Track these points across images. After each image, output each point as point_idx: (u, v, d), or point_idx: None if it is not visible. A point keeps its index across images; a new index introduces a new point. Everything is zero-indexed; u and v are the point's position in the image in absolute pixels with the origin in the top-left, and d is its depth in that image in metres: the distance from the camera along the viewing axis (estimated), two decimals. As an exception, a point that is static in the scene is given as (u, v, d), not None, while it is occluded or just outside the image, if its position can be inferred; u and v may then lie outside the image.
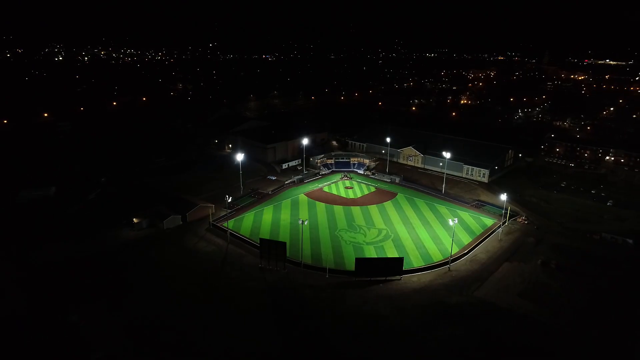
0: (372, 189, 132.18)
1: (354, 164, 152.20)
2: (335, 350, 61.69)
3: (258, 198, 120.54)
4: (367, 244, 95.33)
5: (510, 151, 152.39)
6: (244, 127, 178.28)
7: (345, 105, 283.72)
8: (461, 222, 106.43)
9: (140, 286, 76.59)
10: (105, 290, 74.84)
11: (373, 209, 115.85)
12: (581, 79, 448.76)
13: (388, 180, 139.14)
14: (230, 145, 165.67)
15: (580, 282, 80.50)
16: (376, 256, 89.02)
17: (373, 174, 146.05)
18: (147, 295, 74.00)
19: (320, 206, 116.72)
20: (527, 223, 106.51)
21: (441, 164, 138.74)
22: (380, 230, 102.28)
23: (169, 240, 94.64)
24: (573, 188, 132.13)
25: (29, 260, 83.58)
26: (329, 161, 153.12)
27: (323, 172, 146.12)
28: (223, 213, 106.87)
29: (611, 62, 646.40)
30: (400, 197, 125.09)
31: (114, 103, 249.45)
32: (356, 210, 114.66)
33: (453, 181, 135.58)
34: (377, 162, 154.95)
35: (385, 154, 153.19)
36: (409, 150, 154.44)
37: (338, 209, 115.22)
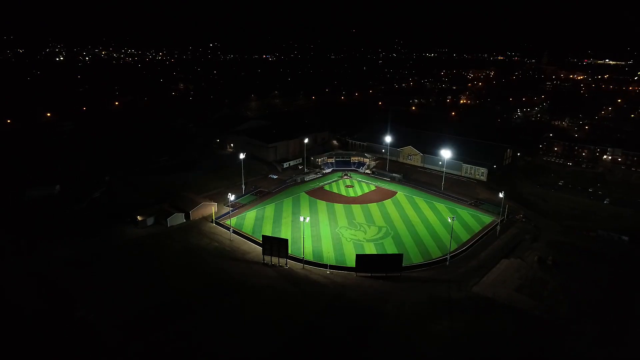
0: (372, 188, 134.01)
1: (355, 163, 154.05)
2: (336, 342, 63.43)
3: (260, 196, 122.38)
4: (367, 241, 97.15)
5: (508, 150, 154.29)
6: (246, 126, 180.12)
7: (345, 105, 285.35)
8: (460, 219, 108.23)
9: (145, 281, 78.17)
10: (111, 286, 76.58)
11: (373, 207, 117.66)
12: (580, 78, 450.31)
13: (388, 179, 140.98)
14: (231, 145, 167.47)
15: (576, 277, 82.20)
16: (376, 253, 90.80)
17: (373, 172, 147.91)
18: (152, 290, 75.59)
19: (321, 204, 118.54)
20: (525, 221, 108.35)
21: (440, 162, 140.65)
22: (380, 228, 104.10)
23: (173, 237, 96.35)
24: (570, 186, 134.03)
25: (37, 256, 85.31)
26: (330, 160, 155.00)
27: (324, 171, 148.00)
28: (226, 211, 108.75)
29: (610, 62, 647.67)
30: (400, 195, 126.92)
31: (116, 103, 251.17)
32: (356, 208, 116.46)
33: (452, 180, 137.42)
34: (377, 161, 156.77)
35: (386, 153, 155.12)
36: (409, 149, 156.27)
37: (339, 207, 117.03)
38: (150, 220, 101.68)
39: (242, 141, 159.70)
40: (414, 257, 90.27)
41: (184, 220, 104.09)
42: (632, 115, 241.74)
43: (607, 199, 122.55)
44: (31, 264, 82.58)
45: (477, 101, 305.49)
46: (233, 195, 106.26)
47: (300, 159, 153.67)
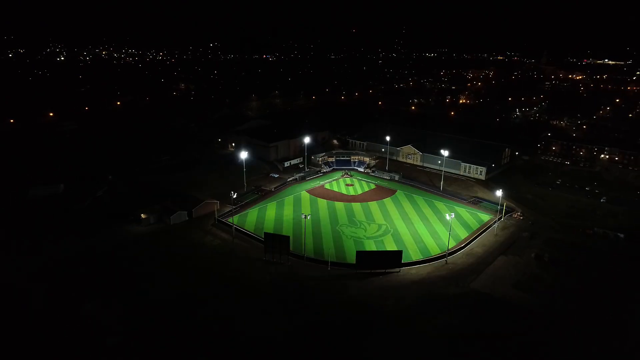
0: (372, 186, 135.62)
1: (355, 162, 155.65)
2: (337, 336, 65.07)
3: (261, 195, 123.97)
4: (368, 238, 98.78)
5: (507, 149, 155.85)
6: (247, 126, 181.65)
7: (345, 105, 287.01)
8: (458, 217, 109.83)
9: (150, 277, 79.88)
10: (117, 282, 78.17)
11: (373, 205, 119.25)
12: (579, 78, 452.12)
13: (387, 178, 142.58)
14: (233, 144, 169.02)
15: (572, 274, 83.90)
16: (376, 250, 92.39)
17: (373, 171, 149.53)
18: (157, 285, 77.35)
19: (322, 202, 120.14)
20: (523, 219, 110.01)
21: (439, 161, 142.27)
22: (380, 226, 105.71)
23: (176, 235, 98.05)
24: (568, 185, 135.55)
25: (43, 254, 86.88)
26: (330, 159, 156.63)
27: (324, 170, 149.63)
28: (228, 209, 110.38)
29: (610, 62, 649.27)
30: (399, 194, 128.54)
31: (118, 103, 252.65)
32: (357, 206, 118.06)
33: (451, 178, 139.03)
34: (377, 160, 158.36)
35: (385, 152, 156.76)
36: (408, 148, 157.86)
37: (339, 205, 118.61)
38: (153, 218, 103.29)
39: (243, 141, 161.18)
40: (413, 254, 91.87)
41: (187, 219, 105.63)
42: (630, 115, 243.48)
43: (604, 198, 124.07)
44: (37, 261, 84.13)
45: (477, 101, 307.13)
46: (235, 194, 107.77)
47: (301, 158, 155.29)
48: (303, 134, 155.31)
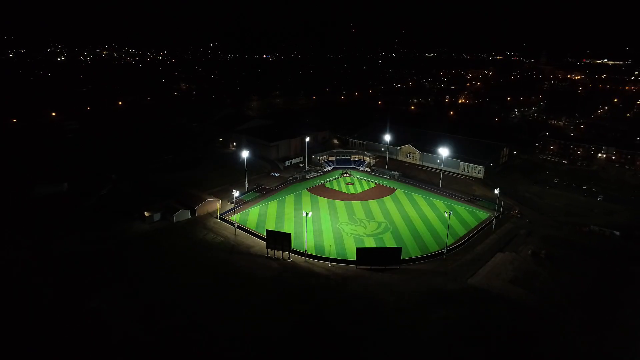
0: (372, 185, 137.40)
1: (355, 161, 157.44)
2: (338, 330, 66.66)
3: (263, 193, 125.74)
4: (368, 235, 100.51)
5: (505, 148, 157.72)
6: (248, 125, 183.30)
7: (345, 105, 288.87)
8: (457, 215, 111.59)
9: (154, 274, 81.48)
10: (121, 278, 79.78)
11: (373, 203, 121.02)
12: (577, 78, 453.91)
13: (387, 177, 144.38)
14: (234, 143, 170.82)
15: (568, 270, 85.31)
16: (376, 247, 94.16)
17: (373, 170, 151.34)
18: (161, 282, 78.86)
19: (323, 201, 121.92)
20: (520, 216, 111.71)
21: (438, 160, 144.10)
22: (379, 223, 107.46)
23: (179, 232, 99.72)
24: (565, 184, 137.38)
25: (49, 251, 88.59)
26: (331, 158, 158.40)
27: (325, 169, 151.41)
28: (230, 207, 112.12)
29: (609, 62, 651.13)
30: (399, 192, 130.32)
31: (119, 103, 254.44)
32: (357, 204, 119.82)
33: (450, 177, 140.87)
34: (377, 159, 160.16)
35: (385, 151, 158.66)
36: (408, 147, 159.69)
37: (339, 203, 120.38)
38: (157, 216, 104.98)
39: (245, 140, 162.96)
40: (412, 250, 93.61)
41: (190, 216, 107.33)
42: (628, 115, 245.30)
43: (601, 196, 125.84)
44: (43, 258, 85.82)
45: (476, 101, 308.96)
46: (237, 192, 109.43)
47: (302, 157, 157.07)
48: (303, 134, 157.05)
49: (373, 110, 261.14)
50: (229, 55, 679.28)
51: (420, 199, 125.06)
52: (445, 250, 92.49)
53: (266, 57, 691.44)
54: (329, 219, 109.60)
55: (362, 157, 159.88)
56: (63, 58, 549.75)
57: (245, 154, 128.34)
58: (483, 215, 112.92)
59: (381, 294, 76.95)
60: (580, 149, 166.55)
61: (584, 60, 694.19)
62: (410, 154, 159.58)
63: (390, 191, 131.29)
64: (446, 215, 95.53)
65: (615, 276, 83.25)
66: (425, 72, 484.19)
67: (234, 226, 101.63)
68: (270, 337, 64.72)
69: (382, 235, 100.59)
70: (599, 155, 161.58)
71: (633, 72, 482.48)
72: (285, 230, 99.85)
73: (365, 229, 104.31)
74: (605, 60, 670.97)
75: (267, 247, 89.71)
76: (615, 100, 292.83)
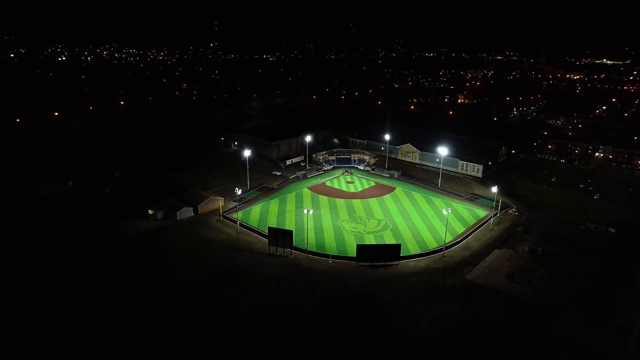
0: (372, 184, 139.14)
1: (355, 160, 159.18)
2: (339, 325, 68.29)
3: (264, 192, 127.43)
4: (368, 233, 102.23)
5: (503, 148, 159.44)
6: (249, 125, 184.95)
7: (345, 104, 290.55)
8: (455, 213, 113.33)
9: (157, 271, 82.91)
10: (125, 275, 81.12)
11: (373, 201, 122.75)
12: (576, 78, 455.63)
13: (387, 175, 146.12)
14: (236, 143, 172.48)
15: (564, 266, 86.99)
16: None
17: (373, 169, 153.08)
18: (165, 278, 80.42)
19: (323, 199, 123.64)
20: (517, 214, 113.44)
21: (437, 160, 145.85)
22: (379, 221, 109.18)
23: (183, 230, 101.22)
24: (563, 182, 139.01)
25: (52, 249, 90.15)
26: (331, 157, 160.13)
27: (325, 168, 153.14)
28: (232, 205, 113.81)
29: (608, 62, 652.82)
30: (398, 191, 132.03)
31: (121, 102, 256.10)
32: (357, 202, 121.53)
33: (449, 176, 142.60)
34: (376, 159, 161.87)
35: (385, 150, 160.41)
36: (407, 147, 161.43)
37: (340, 201, 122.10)
38: (160, 214, 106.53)
39: (246, 139, 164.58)
40: (411, 247, 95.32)
41: (193, 214, 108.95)
42: (626, 114, 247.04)
43: (598, 194, 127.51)
44: (47, 255, 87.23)
45: (475, 100, 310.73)
46: (240, 190, 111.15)
47: (302, 157, 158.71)
48: (304, 133, 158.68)
49: (373, 110, 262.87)
50: (229, 55, 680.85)
51: (419, 197, 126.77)
52: (444, 247, 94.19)
53: (266, 57, 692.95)
54: (330, 216, 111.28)
55: (362, 156, 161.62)
56: (64, 58, 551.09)
57: (246, 153, 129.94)
58: (481, 213, 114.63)
59: (381, 289, 78.59)
60: (578, 148, 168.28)
61: (583, 60, 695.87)
62: (410, 153, 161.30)
63: (390, 190, 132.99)
64: (444, 212, 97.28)
65: (611, 273, 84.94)
66: (424, 72, 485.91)
67: (237, 224, 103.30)
68: (271, 334, 65.69)
69: (382, 233, 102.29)
70: (597, 154, 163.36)
71: (632, 72, 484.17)
72: (287, 227, 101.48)
73: (365, 226, 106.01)
74: (605, 60, 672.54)
75: (269, 244, 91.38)
76: (614, 100, 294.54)
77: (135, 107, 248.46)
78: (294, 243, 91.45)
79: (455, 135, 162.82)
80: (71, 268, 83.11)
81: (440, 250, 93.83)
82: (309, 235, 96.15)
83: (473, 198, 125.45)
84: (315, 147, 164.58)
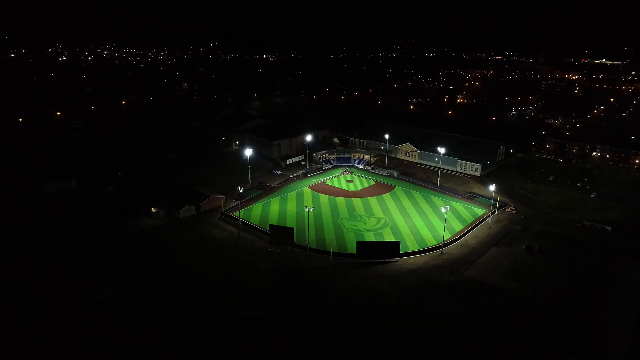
0: (372, 182, 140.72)
1: (355, 160, 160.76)
2: (339, 319, 69.85)
3: (265, 190, 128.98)
4: (367, 231, 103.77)
5: (502, 147, 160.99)
6: (250, 124, 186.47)
7: (345, 104, 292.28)
8: (454, 211, 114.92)
9: (161, 267, 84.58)
10: (130, 271, 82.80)
11: (372, 200, 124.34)
12: (575, 78, 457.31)
13: (387, 174, 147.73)
14: (237, 142, 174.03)
15: (560, 263, 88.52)
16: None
17: (372, 168, 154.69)
18: (168, 275, 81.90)
19: (324, 198, 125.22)
20: (515, 212, 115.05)
21: (436, 159, 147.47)
22: (379, 219, 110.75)
23: (185, 228, 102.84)
24: (560, 181, 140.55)
25: (59, 245, 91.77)
26: (331, 157, 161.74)
27: (325, 167, 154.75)
28: (234, 203, 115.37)
29: (607, 62, 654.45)
30: (397, 189, 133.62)
31: (123, 102, 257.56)
32: (357, 201, 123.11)
33: (447, 175, 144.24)
34: (376, 158, 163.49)
35: (384, 150, 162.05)
36: (407, 146, 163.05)
37: (340, 200, 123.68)
38: (163, 213, 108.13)
39: (247, 139, 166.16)
40: (410, 245, 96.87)
41: (195, 212, 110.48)
42: (624, 114, 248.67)
43: (594, 193, 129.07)
44: (54, 252, 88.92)
45: (474, 100, 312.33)
46: (242, 188, 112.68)
47: (303, 156, 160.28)
48: (304, 132, 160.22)
49: (373, 109, 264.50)
50: (230, 55, 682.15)
51: (418, 195, 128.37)
52: (442, 244, 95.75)
53: (266, 57, 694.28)
54: (330, 215, 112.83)
55: (362, 155, 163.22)
56: (64, 58, 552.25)
57: (247, 152, 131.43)
58: (479, 211, 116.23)
59: (380, 285, 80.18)
60: (576, 148, 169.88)
61: (583, 60, 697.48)
62: (409, 152, 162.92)
63: (390, 188, 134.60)
64: (443, 210, 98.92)
65: (606, 270, 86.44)
66: (424, 72, 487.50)
67: (238, 222, 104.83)
68: (272, 330, 67.00)
69: (382, 231, 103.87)
70: (594, 153, 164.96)
71: (630, 72, 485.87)
72: (288, 225, 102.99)
73: (365, 224, 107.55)
74: (604, 60, 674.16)
75: (271, 242, 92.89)
76: (612, 99, 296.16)
77: (136, 107, 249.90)
78: (295, 240, 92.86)
79: (454, 135, 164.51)
80: (77, 264, 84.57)
81: (439, 247, 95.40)
82: (309, 233, 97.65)
83: (471, 196, 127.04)
84: (315, 147, 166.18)
